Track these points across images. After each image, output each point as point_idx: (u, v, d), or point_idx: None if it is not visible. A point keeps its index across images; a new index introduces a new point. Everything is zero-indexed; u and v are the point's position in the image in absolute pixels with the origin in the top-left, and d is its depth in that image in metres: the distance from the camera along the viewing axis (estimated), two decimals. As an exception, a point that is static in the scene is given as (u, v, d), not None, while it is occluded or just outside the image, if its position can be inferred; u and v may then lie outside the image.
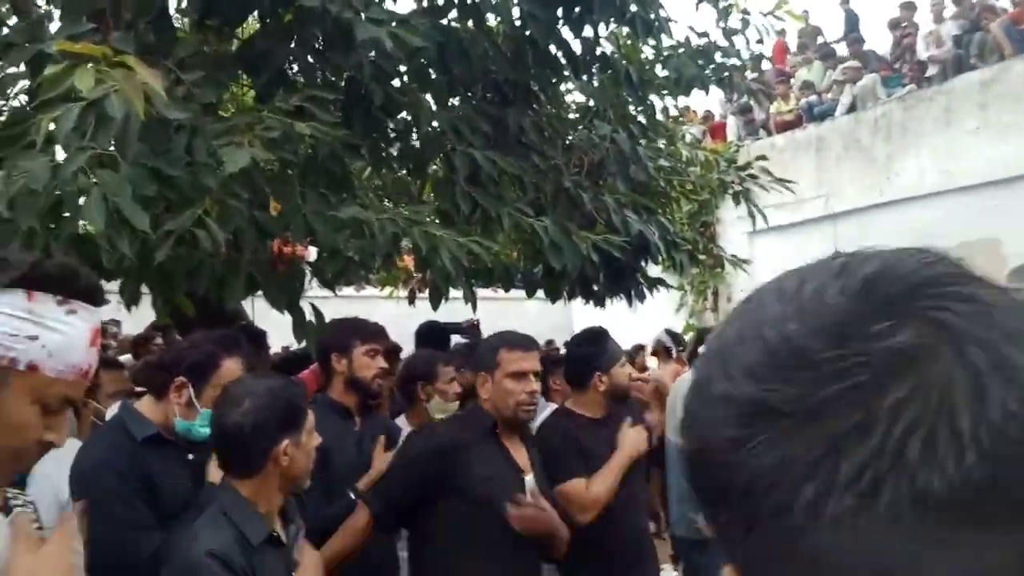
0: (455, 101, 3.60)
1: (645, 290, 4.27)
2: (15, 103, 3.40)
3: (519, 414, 2.37)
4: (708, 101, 12.25)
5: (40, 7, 3.40)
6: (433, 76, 3.46)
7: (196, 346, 2.13)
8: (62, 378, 0.99)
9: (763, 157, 5.31)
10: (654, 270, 4.67)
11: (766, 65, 5.87)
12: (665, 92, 4.16)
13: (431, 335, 4.14)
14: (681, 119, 6.66)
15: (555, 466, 2.70)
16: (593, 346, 2.89)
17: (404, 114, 3.38)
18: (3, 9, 3.60)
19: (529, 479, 2.40)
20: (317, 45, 3.11)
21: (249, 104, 3.45)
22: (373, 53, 3.01)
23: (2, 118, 2.85)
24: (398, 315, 5.90)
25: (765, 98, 8.54)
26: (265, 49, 2.99)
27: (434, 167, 3.67)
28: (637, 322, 6.92)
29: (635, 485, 2.85)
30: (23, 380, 0.97)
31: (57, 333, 0.99)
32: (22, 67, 2.58)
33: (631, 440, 2.82)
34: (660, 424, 3.91)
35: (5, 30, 3.01)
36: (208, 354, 2.07)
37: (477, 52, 3.20)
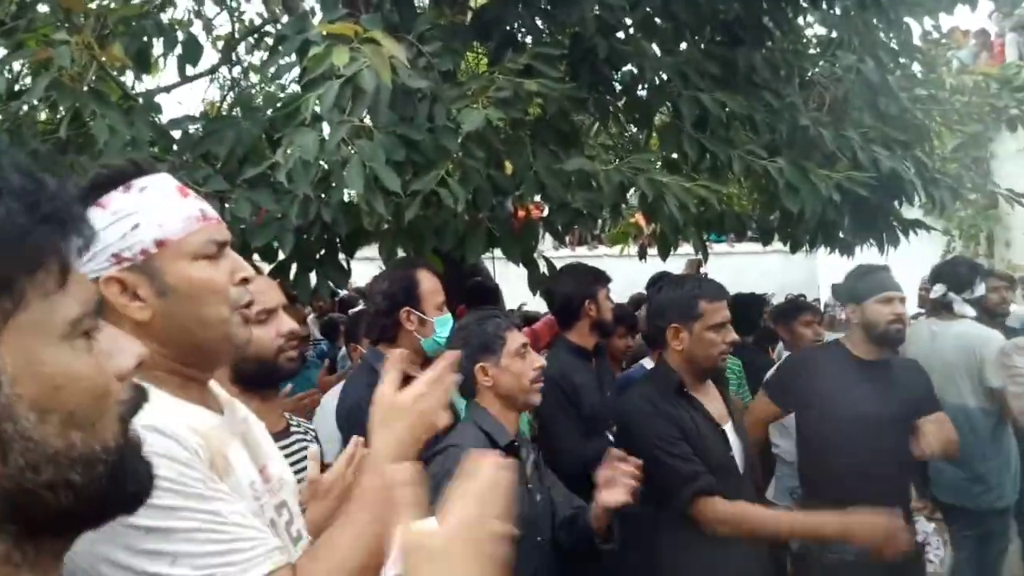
0: (682, 47, 3.51)
1: (900, 233, 3.89)
2: (291, 89, 3.89)
3: (719, 363, 2.34)
4: (981, 18, 10.65)
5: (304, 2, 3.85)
6: (659, 24, 3.41)
7: (394, 278, 2.38)
8: (188, 232, 1.02)
9: (1050, 75, 4.56)
10: (914, 213, 4.22)
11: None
12: (922, 11, 3.72)
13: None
14: (945, 41, 5.89)
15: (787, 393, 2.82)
16: (856, 277, 2.72)
17: (629, 66, 3.36)
18: (277, 9, 4.14)
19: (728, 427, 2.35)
20: (543, 5, 3.20)
21: (483, 70, 3.64)
22: (597, 7, 3.03)
23: (280, 103, 3.28)
24: (630, 271, 5.93)
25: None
26: (495, 15, 3.13)
27: (660, 115, 3.61)
28: (897, 274, 6.28)
29: (888, 438, 2.64)
30: (166, 256, 1.00)
31: (146, 212, 1.00)
32: (293, 57, 2.96)
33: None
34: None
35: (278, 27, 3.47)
36: (407, 276, 2.35)
37: (704, -7, 3.09)
